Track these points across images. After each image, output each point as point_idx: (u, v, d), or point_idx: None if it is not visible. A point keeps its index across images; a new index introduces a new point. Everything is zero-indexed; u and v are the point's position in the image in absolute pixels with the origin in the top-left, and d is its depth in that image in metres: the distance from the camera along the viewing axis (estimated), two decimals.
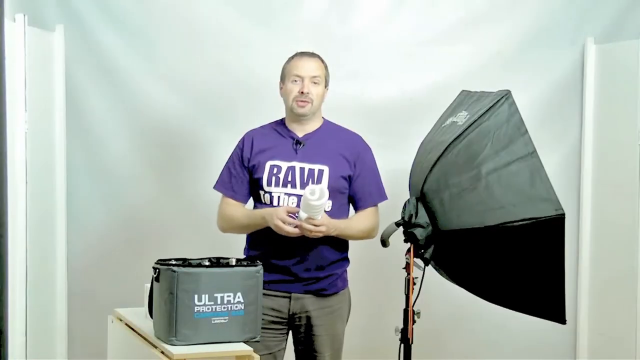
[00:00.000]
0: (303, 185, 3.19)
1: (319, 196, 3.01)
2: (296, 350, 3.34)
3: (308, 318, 3.25)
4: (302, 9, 4.33)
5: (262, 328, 3.16)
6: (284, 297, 3.23)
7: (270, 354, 3.24)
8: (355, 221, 3.29)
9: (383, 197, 3.34)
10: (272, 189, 3.21)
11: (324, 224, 3.08)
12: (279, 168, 3.22)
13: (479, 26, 4.39)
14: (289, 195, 3.19)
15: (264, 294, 3.16)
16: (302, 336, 3.28)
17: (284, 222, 3.07)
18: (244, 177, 3.28)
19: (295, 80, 3.22)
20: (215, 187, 3.35)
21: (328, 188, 3.14)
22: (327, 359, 3.29)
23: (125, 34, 4.18)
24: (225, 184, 3.32)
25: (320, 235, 3.10)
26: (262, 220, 3.17)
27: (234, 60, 4.25)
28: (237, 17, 4.26)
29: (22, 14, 3.64)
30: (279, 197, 3.20)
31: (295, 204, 3.18)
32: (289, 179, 3.21)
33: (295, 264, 3.21)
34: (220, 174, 3.35)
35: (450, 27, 4.38)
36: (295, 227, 3.07)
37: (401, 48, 4.35)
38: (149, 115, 4.22)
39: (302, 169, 3.21)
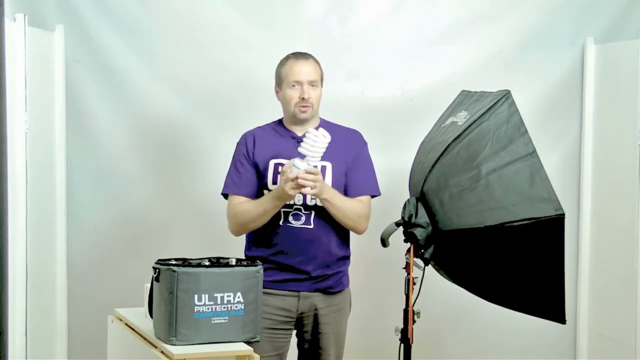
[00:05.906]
0: None
1: (323, 133, 3.04)
2: (300, 349, 3.34)
3: (315, 316, 3.26)
4: (302, 9, 4.33)
5: (271, 329, 3.18)
6: (293, 296, 3.23)
7: (278, 354, 3.24)
8: (347, 199, 3.25)
9: (375, 191, 3.33)
10: None
11: (320, 181, 3.06)
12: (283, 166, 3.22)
13: (479, 26, 4.39)
14: None
15: (272, 294, 3.18)
16: (308, 334, 3.28)
17: (292, 179, 3.02)
18: (251, 173, 3.24)
19: (294, 86, 3.21)
20: (222, 192, 3.29)
21: (332, 184, 3.18)
22: (332, 357, 3.30)
23: (125, 34, 4.18)
24: (232, 184, 3.26)
25: (315, 191, 3.05)
26: (273, 197, 3.11)
27: (234, 60, 4.25)
28: (237, 17, 4.26)
29: (22, 14, 3.64)
30: None
31: (300, 202, 3.18)
32: None
33: (304, 261, 3.21)
34: (226, 179, 3.29)
35: (450, 27, 4.38)
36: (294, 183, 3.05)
37: (401, 48, 4.35)
38: (149, 115, 4.22)
39: None
